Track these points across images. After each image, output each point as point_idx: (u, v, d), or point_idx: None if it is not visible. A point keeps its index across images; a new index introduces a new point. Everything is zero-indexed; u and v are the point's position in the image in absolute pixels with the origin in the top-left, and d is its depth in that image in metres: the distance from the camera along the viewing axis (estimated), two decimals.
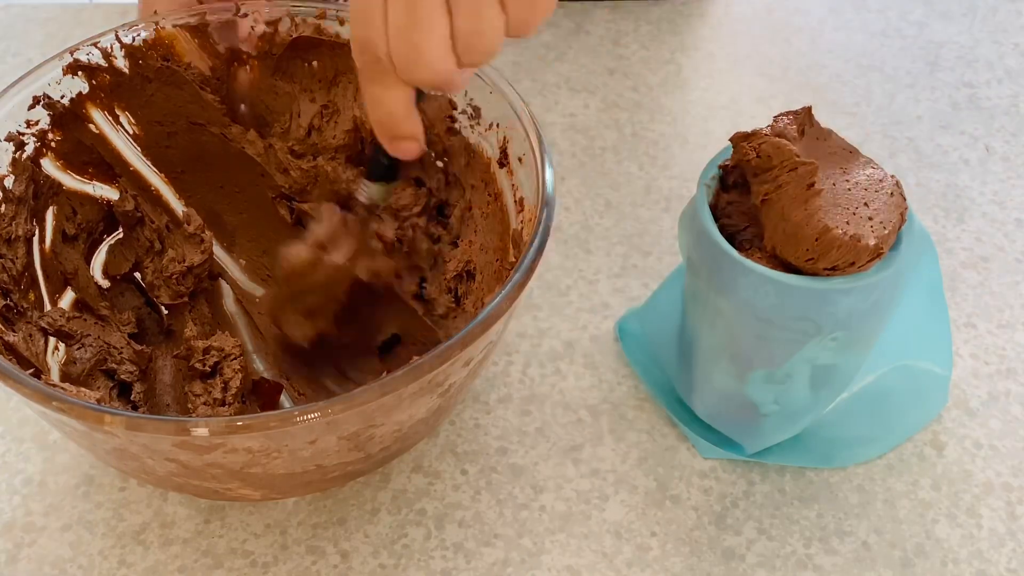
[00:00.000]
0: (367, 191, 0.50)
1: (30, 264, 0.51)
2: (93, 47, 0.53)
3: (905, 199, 0.44)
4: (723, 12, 0.83)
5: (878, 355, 0.49)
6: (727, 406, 0.51)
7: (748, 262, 0.43)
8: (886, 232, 0.43)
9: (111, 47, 0.53)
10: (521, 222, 0.49)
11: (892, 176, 0.45)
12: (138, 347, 0.52)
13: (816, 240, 0.42)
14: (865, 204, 0.43)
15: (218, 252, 0.58)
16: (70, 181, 0.54)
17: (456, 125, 0.54)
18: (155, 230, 0.55)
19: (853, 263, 0.42)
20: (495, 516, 0.50)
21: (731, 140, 0.46)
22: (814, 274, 0.43)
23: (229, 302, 0.59)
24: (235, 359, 0.50)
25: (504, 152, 0.51)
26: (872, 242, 0.42)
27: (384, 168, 0.49)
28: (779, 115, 0.46)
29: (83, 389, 0.45)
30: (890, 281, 0.43)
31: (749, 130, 0.46)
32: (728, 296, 0.45)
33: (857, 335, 0.45)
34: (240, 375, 0.50)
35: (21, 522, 0.50)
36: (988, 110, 0.75)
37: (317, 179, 0.57)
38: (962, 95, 0.76)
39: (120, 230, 0.56)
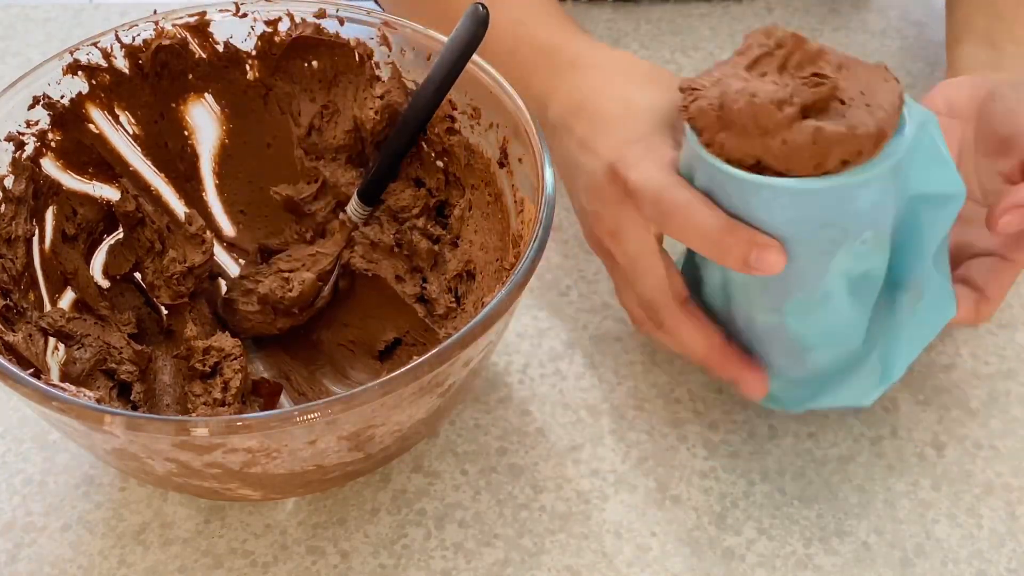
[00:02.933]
0: (351, 209, 0.55)
1: (30, 264, 0.51)
2: (93, 47, 0.53)
3: (899, 81, 0.43)
4: (723, 12, 0.83)
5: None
6: (773, 347, 0.48)
7: (756, 177, 0.42)
8: (885, 115, 0.41)
9: (111, 47, 0.53)
10: (521, 222, 0.49)
11: (882, 63, 0.44)
12: (138, 347, 0.52)
13: (814, 144, 0.40)
14: (861, 92, 0.42)
15: (218, 252, 0.58)
16: (70, 181, 0.54)
17: (456, 125, 0.54)
18: (156, 230, 0.55)
19: (860, 152, 0.41)
20: (495, 516, 0.50)
21: (679, 88, 0.44)
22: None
23: None
24: (235, 359, 0.50)
25: (504, 152, 0.51)
26: (873, 127, 0.41)
27: (374, 191, 0.54)
28: (750, 35, 0.44)
29: (83, 389, 0.45)
30: (904, 161, 0.42)
31: (695, 76, 0.44)
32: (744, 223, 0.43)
33: (886, 230, 0.44)
34: (240, 375, 0.50)
35: (21, 522, 0.50)
36: None
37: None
38: None
39: (120, 230, 0.56)
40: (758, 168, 0.42)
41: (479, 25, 0.49)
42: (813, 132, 0.40)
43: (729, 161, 0.43)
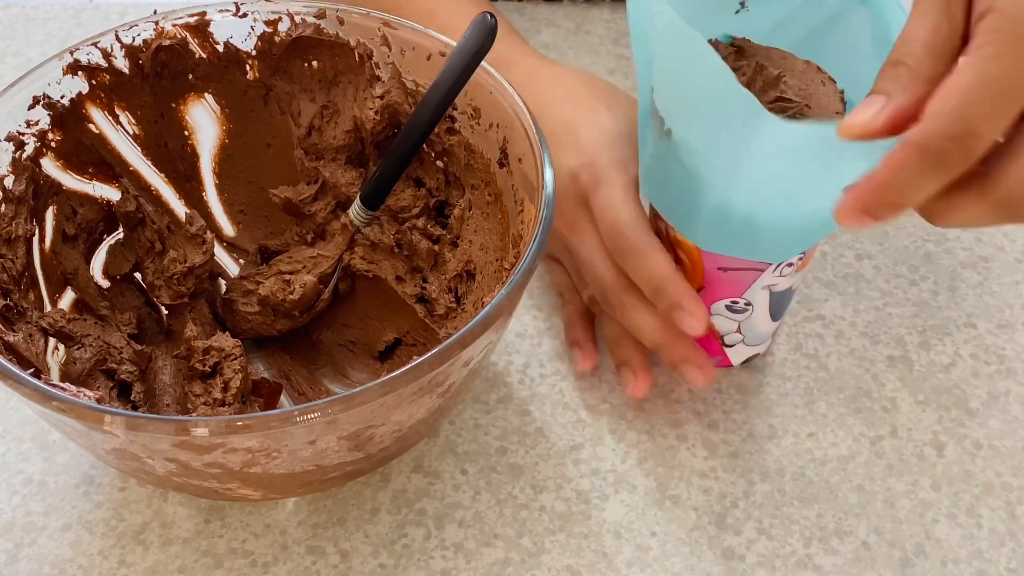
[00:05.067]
0: (354, 212, 0.54)
1: (30, 264, 0.51)
2: (93, 47, 0.53)
3: (835, 80, 0.46)
4: None
5: None
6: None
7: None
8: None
9: (111, 47, 0.53)
10: (521, 222, 0.49)
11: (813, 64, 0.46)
12: (138, 347, 0.52)
13: None
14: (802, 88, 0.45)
15: (218, 252, 0.58)
16: (70, 181, 0.54)
17: (456, 125, 0.54)
18: (156, 231, 0.55)
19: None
20: (495, 516, 0.50)
21: None
22: None
23: None
24: (235, 359, 0.50)
25: (504, 152, 0.51)
26: None
27: (378, 196, 0.54)
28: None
29: (83, 389, 0.45)
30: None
31: None
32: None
33: None
34: (240, 375, 0.50)
35: (21, 522, 0.50)
36: None
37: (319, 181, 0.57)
38: None
39: (120, 230, 0.56)
40: None
41: (488, 34, 0.49)
42: None
43: None
